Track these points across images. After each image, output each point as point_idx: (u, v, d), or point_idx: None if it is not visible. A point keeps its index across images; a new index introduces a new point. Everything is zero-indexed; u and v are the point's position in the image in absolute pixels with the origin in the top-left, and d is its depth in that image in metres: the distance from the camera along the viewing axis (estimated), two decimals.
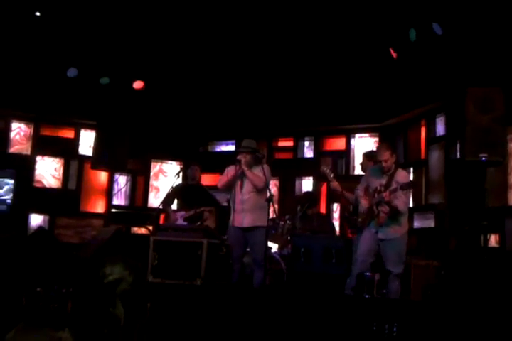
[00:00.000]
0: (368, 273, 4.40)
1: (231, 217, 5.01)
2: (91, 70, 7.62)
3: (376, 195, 4.66)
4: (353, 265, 5.00)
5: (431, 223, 6.55)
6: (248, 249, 5.06)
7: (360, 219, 4.84)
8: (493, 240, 5.68)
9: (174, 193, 5.98)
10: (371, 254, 4.62)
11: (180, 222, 5.88)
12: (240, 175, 4.98)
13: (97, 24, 7.23)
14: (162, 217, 6.90)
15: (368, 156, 5.54)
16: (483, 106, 5.50)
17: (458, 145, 6.41)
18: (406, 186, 4.49)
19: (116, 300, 1.33)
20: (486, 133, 5.42)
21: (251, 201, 4.95)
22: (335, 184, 5.34)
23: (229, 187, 5.06)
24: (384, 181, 4.70)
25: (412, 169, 7.13)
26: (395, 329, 3.46)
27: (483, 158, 5.34)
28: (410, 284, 4.88)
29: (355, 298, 4.34)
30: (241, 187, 4.96)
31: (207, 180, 7.51)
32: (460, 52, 5.97)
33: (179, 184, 6.44)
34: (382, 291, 4.39)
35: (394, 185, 4.61)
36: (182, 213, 5.98)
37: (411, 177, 5.22)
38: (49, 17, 7.15)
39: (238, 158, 4.98)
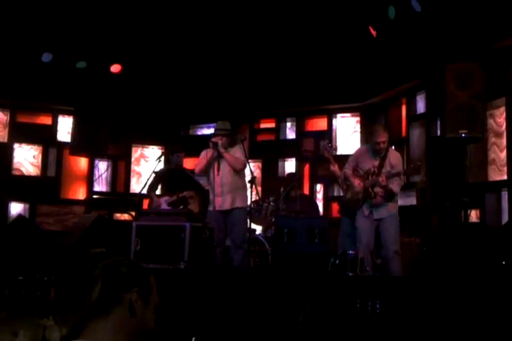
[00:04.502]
0: (351, 252, 4.43)
1: (211, 201, 4.98)
2: (67, 54, 7.45)
3: (371, 177, 4.68)
4: (339, 245, 5.05)
5: (413, 201, 6.60)
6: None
7: (351, 199, 4.81)
8: (473, 215, 5.75)
9: (158, 178, 5.93)
10: (373, 241, 4.69)
11: (164, 206, 5.84)
12: (217, 158, 4.95)
13: (72, 6, 7.05)
14: (146, 202, 6.84)
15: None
16: (462, 82, 5.50)
17: (438, 123, 6.44)
18: (402, 173, 4.60)
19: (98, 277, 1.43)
20: (466, 109, 5.44)
21: (230, 183, 4.94)
22: (335, 168, 5.20)
23: (206, 171, 5.04)
24: (377, 163, 4.71)
25: (393, 147, 7.15)
26: (378, 306, 3.49)
27: (463, 135, 5.37)
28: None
29: (338, 276, 4.37)
30: (218, 169, 4.94)
31: (189, 163, 7.44)
32: (439, 28, 5.95)
33: (162, 169, 6.38)
34: (366, 269, 4.43)
35: (388, 167, 4.66)
36: (166, 198, 5.94)
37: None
38: (20, 0, 6.95)
39: (214, 140, 4.96)
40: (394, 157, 4.81)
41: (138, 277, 1.48)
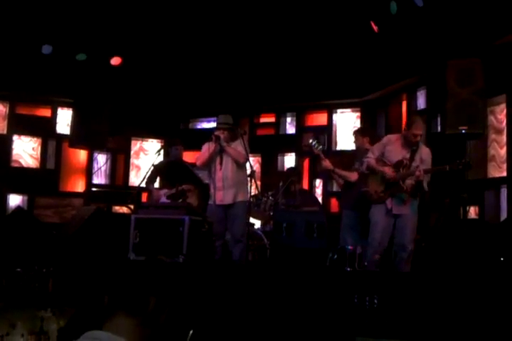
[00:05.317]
0: (349, 247, 4.43)
1: (212, 195, 4.98)
2: (67, 46, 7.42)
3: (402, 170, 4.43)
4: (341, 239, 5.00)
5: None
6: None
7: (374, 191, 4.52)
8: (472, 212, 5.76)
9: (157, 171, 5.93)
10: (387, 238, 4.50)
11: (163, 199, 5.84)
12: (219, 152, 4.94)
13: None
14: (145, 195, 6.84)
15: (362, 132, 5.33)
16: (463, 78, 5.50)
17: (439, 119, 6.42)
18: (449, 168, 4.35)
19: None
20: (467, 106, 5.44)
21: (232, 177, 4.93)
22: (326, 163, 5.06)
23: (208, 165, 5.03)
24: (408, 155, 4.47)
25: None
26: (375, 301, 3.50)
27: (464, 131, 5.36)
28: (392, 257, 4.92)
29: (336, 271, 4.38)
30: (220, 163, 4.93)
31: (188, 157, 7.42)
32: (441, 24, 5.93)
33: (161, 161, 6.38)
34: (364, 264, 4.43)
35: (417, 161, 4.44)
36: (165, 191, 5.94)
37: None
38: None
39: (216, 134, 4.94)
40: (425, 152, 4.56)
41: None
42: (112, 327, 1.44)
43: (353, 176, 5.07)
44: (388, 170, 4.47)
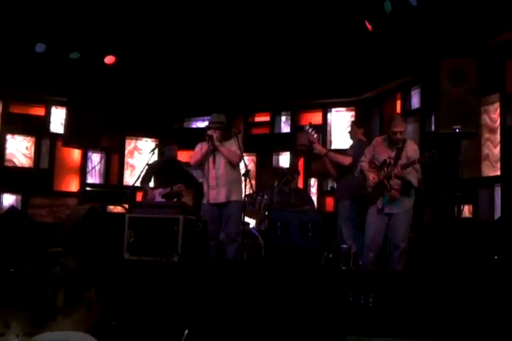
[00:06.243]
0: (344, 246, 4.44)
1: (205, 194, 4.98)
2: (60, 45, 7.38)
3: (386, 169, 4.48)
4: (338, 230, 5.00)
5: None
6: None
7: (368, 192, 4.57)
8: (466, 211, 5.78)
9: (151, 170, 5.92)
10: (380, 237, 4.51)
11: (158, 199, 5.83)
12: (212, 151, 4.94)
13: None
14: (139, 194, 6.82)
15: (358, 123, 5.53)
16: (457, 78, 5.51)
17: (433, 118, 6.44)
18: (418, 161, 4.35)
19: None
20: (460, 105, 5.45)
21: (225, 176, 4.93)
22: (319, 148, 5.13)
23: (202, 164, 5.03)
24: (393, 154, 4.51)
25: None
26: (370, 299, 3.51)
27: (457, 130, 5.38)
28: (386, 255, 4.94)
29: (331, 270, 4.39)
30: (213, 162, 4.93)
31: (183, 156, 7.42)
32: (435, 23, 5.94)
33: (155, 161, 6.37)
34: (359, 263, 4.44)
35: (404, 159, 4.46)
36: (160, 190, 5.93)
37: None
38: None
39: (209, 133, 4.93)
40: (411, 150, 4.56)
41: (95, 273, 1.48)
42: (56, 327, 1.38)
43: (347, 160, 5.13)
44: (371, 177, 4.53)
